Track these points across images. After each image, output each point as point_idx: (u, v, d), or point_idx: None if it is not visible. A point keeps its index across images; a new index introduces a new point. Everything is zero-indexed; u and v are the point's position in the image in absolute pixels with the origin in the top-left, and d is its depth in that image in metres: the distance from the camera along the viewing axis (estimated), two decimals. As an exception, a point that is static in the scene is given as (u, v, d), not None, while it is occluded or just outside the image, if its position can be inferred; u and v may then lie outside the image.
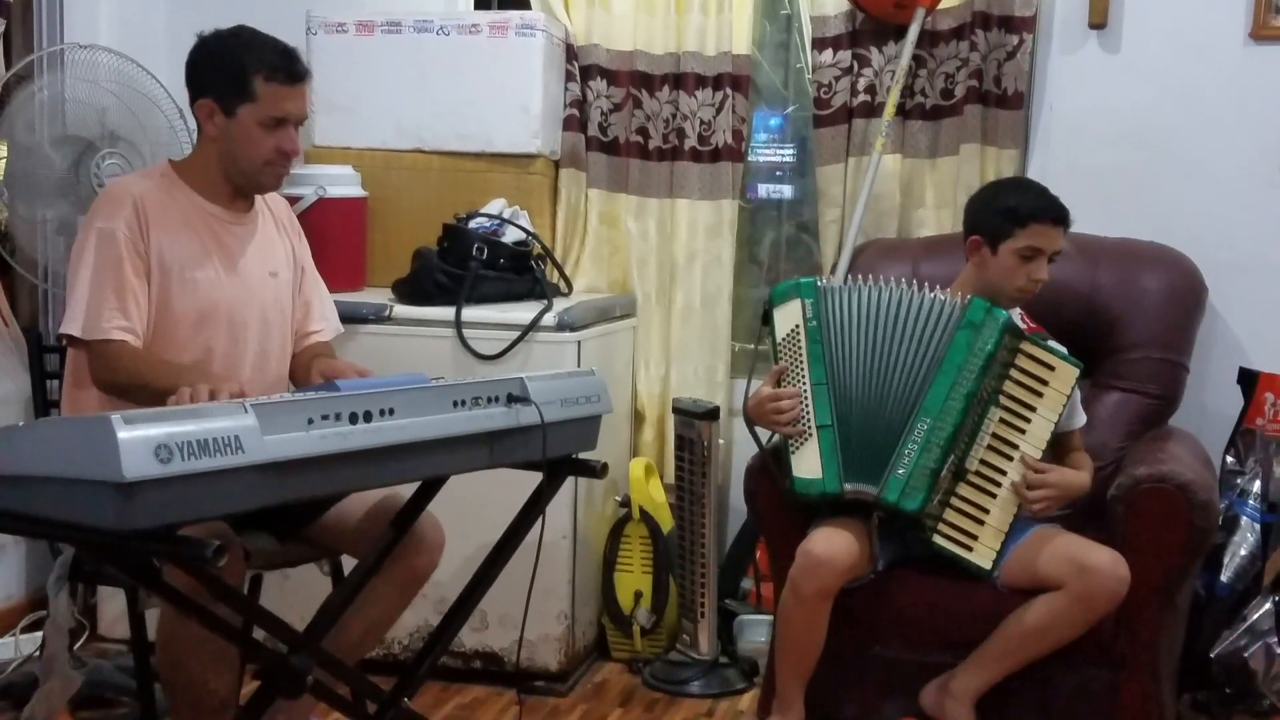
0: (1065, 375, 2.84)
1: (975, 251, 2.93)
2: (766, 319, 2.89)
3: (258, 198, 2.75)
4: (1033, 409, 2.82)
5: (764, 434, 2.93)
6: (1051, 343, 2.90)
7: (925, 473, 2.76)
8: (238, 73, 2.55)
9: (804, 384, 2.82)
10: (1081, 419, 3.00)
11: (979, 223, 2.93)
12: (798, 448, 2.81)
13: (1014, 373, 2.82)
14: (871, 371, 2.84)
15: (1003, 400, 2.81)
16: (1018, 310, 2.97)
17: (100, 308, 2.48)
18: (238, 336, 2.64)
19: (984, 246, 2.91)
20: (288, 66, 2.58)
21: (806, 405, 2.81)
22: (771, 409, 2.83)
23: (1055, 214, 2.88)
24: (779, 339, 2.86)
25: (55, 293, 3.44)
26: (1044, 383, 2.83)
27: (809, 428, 2.81)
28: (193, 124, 2.72)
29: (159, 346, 2.55)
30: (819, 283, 2.88)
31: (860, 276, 2.96)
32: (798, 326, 2.85)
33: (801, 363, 2.83)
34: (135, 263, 2.52)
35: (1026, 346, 2.83)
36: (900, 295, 2.86)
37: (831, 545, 2.76)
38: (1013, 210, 2.87)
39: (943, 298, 2.84)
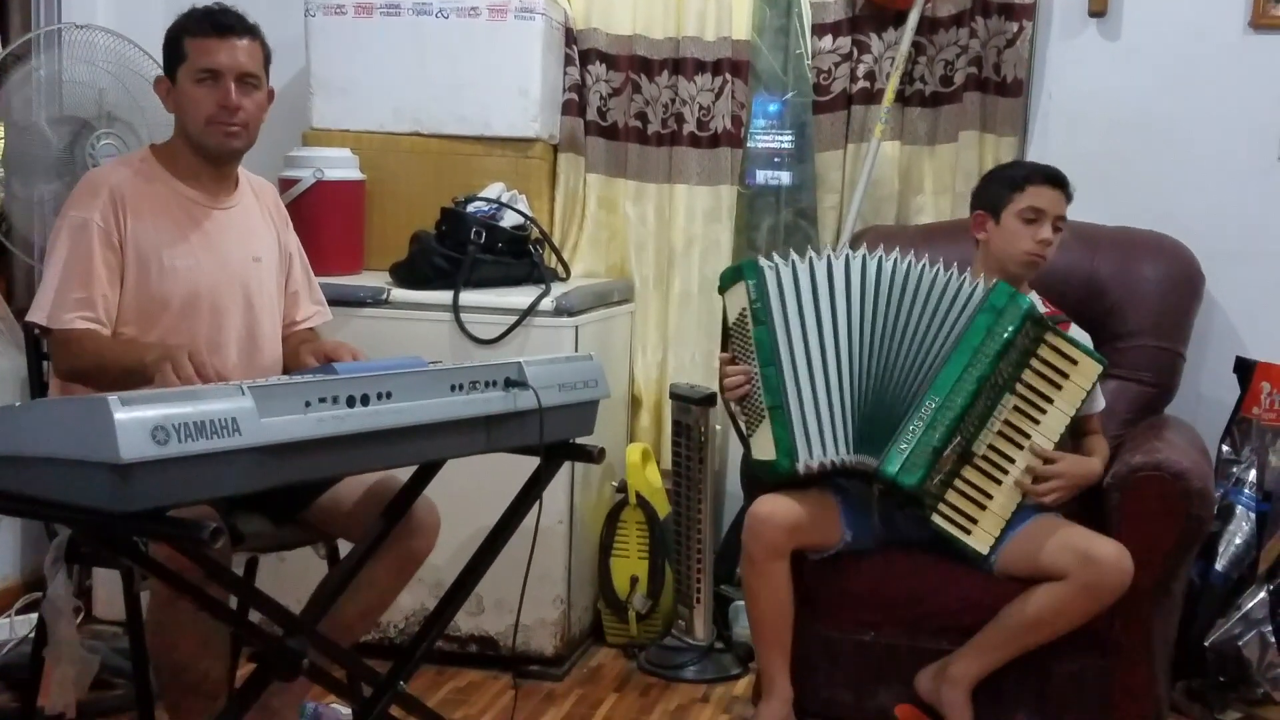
0: (1087, 370, 2.82)
1: (981, 226, 2.98)
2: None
3: (244, 183, 2.74)
4: (1049, 400, 2.81)
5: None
6: (1075, 332, 2.90)
7: (927, 450, 2.75)
8: (174, 41, 2.61)
9: (754, 366, 2.81)
10: (1100, 404, 3.00)
11: (981, 198, 3.02)
12: (754, 431, 2.82)
13: (1034, 362, 2.80)
14: (859, 342, 2.81)
15: (1019, 388, 2.80)
16: (1035, 294, 2.96)
17: (66, 298, 2.48)
18: (221, 322, 2.63)
19: (988, 219, 2.96)
20: (211, 19, 2.59)
21: (757, 388, 2.80)
22: (723, 385, 2.86)
23: (1051, 176, 2.96)
24: (730, 324, 2.86)
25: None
26: (1064, 375, 2.81)
27: (761, 411, 2.79)
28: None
29: (144, 334, 2.55)
30: (760, 261, 2.85)
31: (867, 247, 2.92)
32: (744, 310, 2.83)
33: (749, 346, 2.82)
34: (107, 254, 2.51)
35: (1051, 338, 2.81)
36: (912, 269, 2.83)
37: (772, 505, 2.82)
38: (1010, 176, 2.98)
39: (960, 277, 2.83)
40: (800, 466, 2.78)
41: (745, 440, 2.88)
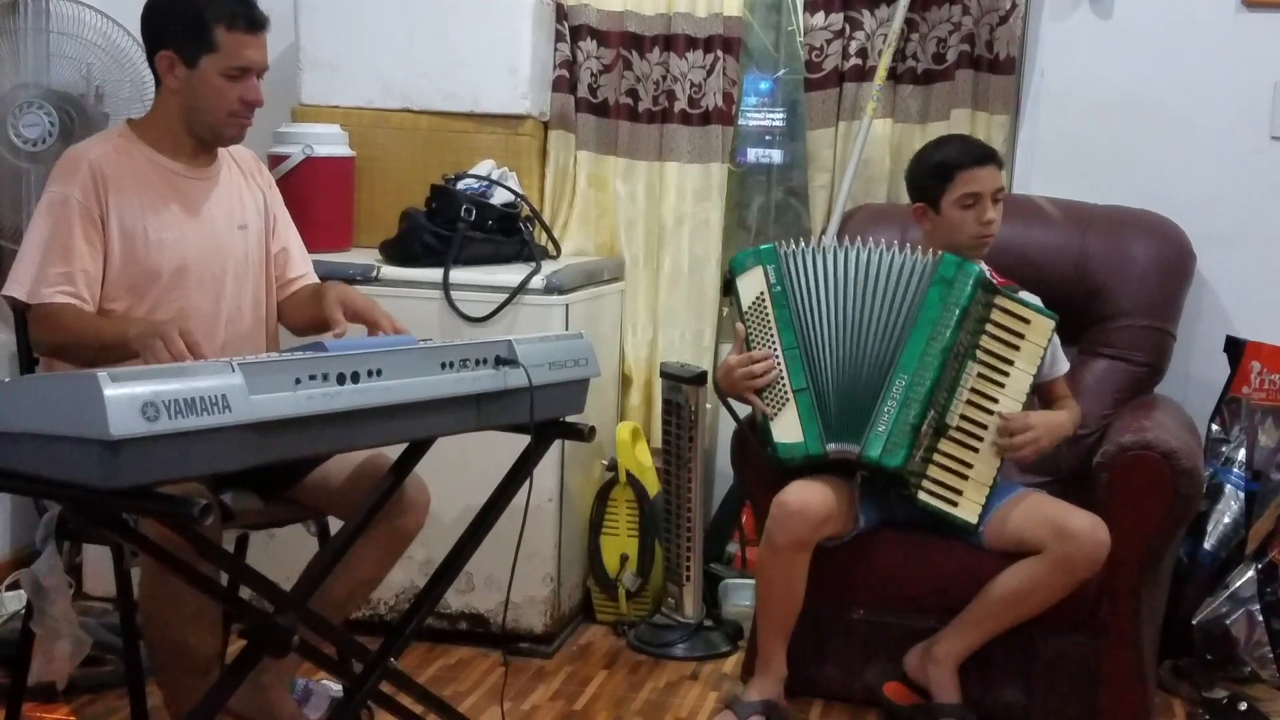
0: (1041, 328, 2.85)
1: (923, 218, 2.97)
2: (728, 289, 2.89)
3: (221, 150, 2.72)
4: (1010, 362, 2.84)
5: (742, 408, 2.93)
6: (1024, 295, 2.90)
7: (906, 429, 2.77)
8: (197, 22, 2.52)
9: (775, 350, 2.82)
10: (1064, 366, 3.00)
11: (916, 190, 2.99)
12: (776, 414, 2.81)
13: (990, 327, 2.83)
14: (844, 333, 2.85)
15: (980, 355, 2.83)
16: (985, 266, 2.97)
17: (46, 272, 2.46)
18: (210, 293, 2.62)
19: (928, 210, 2.94)
20: (247, 14, 2.55)
21: (781, 371, 2.81)
22: (743, 374, 2.82)
23: (977, 155, 2.94)
24: (744, 308, 2.86)
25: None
26: (1020, 336, 2.84)
27: (785, 393, 2.81)
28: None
29: (135, 308, 2.54)
30: (778, 248, 2.87)
31: (836, 239, 2.96)
32: (762, 294, 2.84)
33: (770, 330, 2.83)
34: (88, 229, 2.48)
35: (1000, 300, 2.84)
36: (869, 255, 2.87)
37: (805, 496, 2.79)
38: (938, 165, 2.93)
39: (913, 255, 2.85)
40: (829, 448, 2.80)
41: (756, 429, 2.86)
